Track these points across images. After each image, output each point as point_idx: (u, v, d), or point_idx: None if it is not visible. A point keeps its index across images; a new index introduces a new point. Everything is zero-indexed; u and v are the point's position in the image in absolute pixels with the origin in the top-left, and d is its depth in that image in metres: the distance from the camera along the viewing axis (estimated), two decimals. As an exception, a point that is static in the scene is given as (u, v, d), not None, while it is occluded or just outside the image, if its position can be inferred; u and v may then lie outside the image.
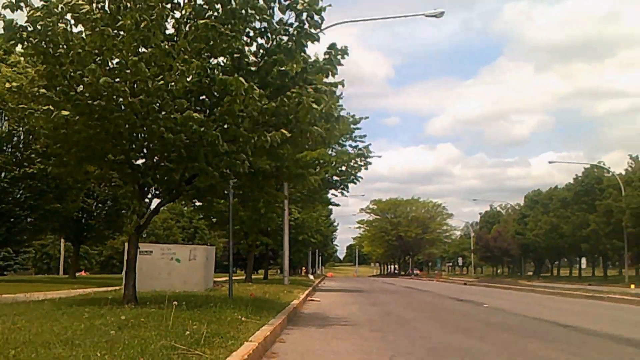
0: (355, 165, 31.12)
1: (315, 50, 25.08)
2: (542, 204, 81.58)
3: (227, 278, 15.52)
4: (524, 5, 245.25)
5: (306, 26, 11.26)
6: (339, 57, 11.73)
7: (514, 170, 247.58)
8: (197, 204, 22.23)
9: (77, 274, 41.83)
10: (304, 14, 11.18)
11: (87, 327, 7.46)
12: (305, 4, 11.00)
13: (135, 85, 10.33)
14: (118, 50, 10.22)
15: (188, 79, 10.52)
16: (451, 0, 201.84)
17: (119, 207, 36.20)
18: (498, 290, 34.56)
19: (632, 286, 39.42)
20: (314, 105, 11.13)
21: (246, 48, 11.78)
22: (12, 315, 8.89)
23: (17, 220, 29.46)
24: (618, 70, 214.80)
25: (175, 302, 9.23)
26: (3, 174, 27.72)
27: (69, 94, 10.41)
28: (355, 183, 32.16)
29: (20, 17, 10.48)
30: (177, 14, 11.08)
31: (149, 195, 13.39)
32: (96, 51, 10.36)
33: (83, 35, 10.67)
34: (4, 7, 10.31)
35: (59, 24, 10.31)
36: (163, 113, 10.59)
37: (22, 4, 10.33)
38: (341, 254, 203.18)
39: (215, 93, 11.26)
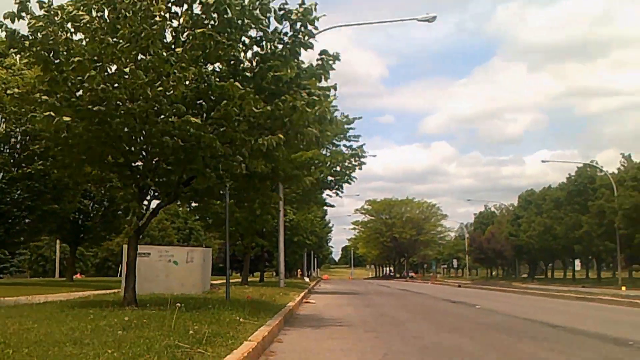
0: (350, 165, 31.45)
1: (308, 55, 25.53)
2: (536, 204, 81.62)
3: (223, 281, 15.80)
4: (516, 6, 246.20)
5: (300, 35, 11.62)
6: (330, 62, 12.10)
7: (509, 168, 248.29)
8: (193, 205, 22.48)
9: (73, 277, 41.95)
10: (298, 24, 11.55)
11: (92, 328, 7.75)
12: (299, 14, 11.37)
13: (133, 91, 10.63)
14: (117, 57, 10.53)
15: (186, 84, 10.84)
16: (445, 2, 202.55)
17: (116, 208, 36.37)
18: (492, 293, 34.96)
19: (624, 288, 39.80)
20: (307, 109, 11.46)
21: (242, 54, 12.12)
22: (18, 317, 9.18)
23: (14, 221, 29.66)
24: (611, 70, 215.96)
25: (179, 304, 9.58)
26: (1, 175, 27.90)
27: (70, 100, 10.72)
28: (349, 183, 32.56)
29: (18, 25, 10.82)
30: (175, 23, 11.41)
31: (148, 197, 13.70)
32: (95, 58, 10.66)
33: (83, 42, 11.00)
34: (5, 17, 10.60)
35: (60, 33, 10.63)
36: (161, 117, 10.90)
37: (23, 14, 10.63)
38: (336, 255, 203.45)
39: (212, 97, 11.56)
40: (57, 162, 14.00)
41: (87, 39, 10.77)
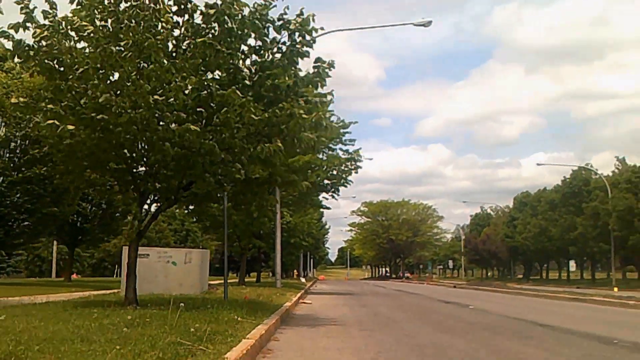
0: (346, 169, 31.81)
1: (305, 61, 25.83)
2: (531, 206, 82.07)
3: (220, 281, 16.10)
4: (513, 8, 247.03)
5: (298, 45, 11.98)
6: (326, 70, 12.46)
7: (505, 171, 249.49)
8: (191, 207, 22.77)
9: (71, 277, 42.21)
10: (296, 34, 11.92)
11: (97, 326, 8.08)
12: (297, 24, 11.74)
13: (136, 99, 10.94)
14: (119, 66, 10.86)
15: (186, 92, 11.17)
16: (442, 4, 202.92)
17: (114, 210, 36.72)
18: (486, 293, 35.31)
19: (616, 289, 40.23)
20: (304, 116, 11.79)
21: (241, 63, 12.46)
22: (24, 316, 9.48)
23: (14, 223, 29.96)
24: (607, 73, 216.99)
25: (182, 304, 9.95)
26: (1, 179, 28.19)
27: (74, 109, 11.04)
28: (345, 186, 32.89)
29: (22, 34, 11.15)
30: (176, 32, 11.74)
31: (148, 201, 14.03)
32: (98, 66, 10.98)
33: (86, 51, 11.33)
34: (9, 28, 10.91)
35: (64, 42, 10.96)
36: (162, 124, 11.24)
37: (28, 24, 10.95)
38: (332, 256, 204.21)
39: (212, 105, 11.89)
40: (59, 168, 14.28)
41: (90, 48, 11.09)
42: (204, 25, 11.42)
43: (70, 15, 11.07)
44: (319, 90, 13.22)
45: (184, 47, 11.49)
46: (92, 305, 12.38)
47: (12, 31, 10.88)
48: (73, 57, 10.96)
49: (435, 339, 10.39)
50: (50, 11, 10.98)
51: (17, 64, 25.62)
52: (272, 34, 12.19)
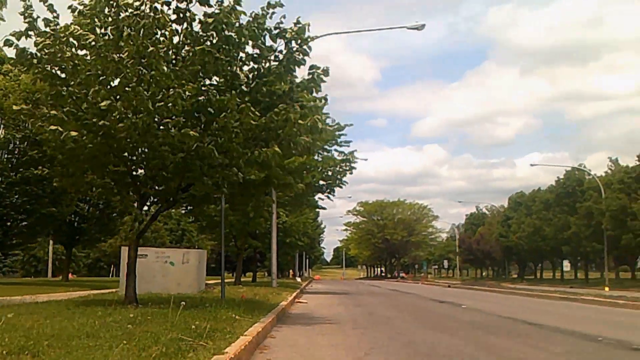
0: (341, 170, 32.16)
1: (302, 67, 26.18)
2: (526, 205, 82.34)
3: (217, 281, 16.39)
4: (508, 9, 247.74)
5: (295, 53, 12.33)
6: (321, 76, 12.80)
7: (500, 171, 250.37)
8: (188, 208, 23.06)
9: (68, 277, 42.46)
10: (292, 42, 12.27)
11: (101, 324, 8.43)
12: (293, 33, 12.09)
13: (136, 105, 11.26)
14: (120, 72, 11.18)
15: (184, 98, 11.48)
16: (437, 5, 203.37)
17: (111, 211, 36.98)
18: (479, 293, 35.66)
19: (606, 289, 40.63)
20: (300, 121, 12.13)
21: (238, 70, 12.79)
22: (29, 315, 9.81)
23: (12, 223, 30.22)
24: (602, 74, 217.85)
25: (184, 302, 10.31)
26: (0, 179, 28.45)
27: (76, 114, 11.36)
28: (340, 187, 33.24)
29: (25, 42, 11.48)
30: (175, 39, 12.08)
31: (147, 203, 14.35)
32: (99, 72, 11.31)
33: (88, 58, 11.65)
34: (12, 35, 11.22)
35: (66, 50, 11.28)
36: (161, 129, 11.56)
37: (30, 32, 11.27)
38: (328, 256, 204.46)
39: (211, 110, 12.22)
40: (59, 170, 14.58)
41: (92, 56, 11.40)
42: (202, 34, 11.74)
43: (72, 22, 11.39)
44: (314, 94, 13.55)
45: (183, 55, 11.83)
46: (93, 304, 12.72)
47: (13, 38, 11.20)
48: (75, 64, 11.29)
49: (427, 336, 10.72)
50: (52, 19, 11.30)
51: (15, 67, 26.01)
52: (269, 42, 12.57)
